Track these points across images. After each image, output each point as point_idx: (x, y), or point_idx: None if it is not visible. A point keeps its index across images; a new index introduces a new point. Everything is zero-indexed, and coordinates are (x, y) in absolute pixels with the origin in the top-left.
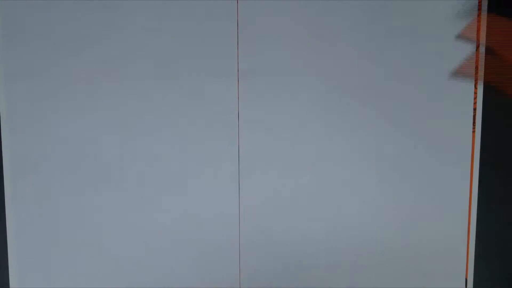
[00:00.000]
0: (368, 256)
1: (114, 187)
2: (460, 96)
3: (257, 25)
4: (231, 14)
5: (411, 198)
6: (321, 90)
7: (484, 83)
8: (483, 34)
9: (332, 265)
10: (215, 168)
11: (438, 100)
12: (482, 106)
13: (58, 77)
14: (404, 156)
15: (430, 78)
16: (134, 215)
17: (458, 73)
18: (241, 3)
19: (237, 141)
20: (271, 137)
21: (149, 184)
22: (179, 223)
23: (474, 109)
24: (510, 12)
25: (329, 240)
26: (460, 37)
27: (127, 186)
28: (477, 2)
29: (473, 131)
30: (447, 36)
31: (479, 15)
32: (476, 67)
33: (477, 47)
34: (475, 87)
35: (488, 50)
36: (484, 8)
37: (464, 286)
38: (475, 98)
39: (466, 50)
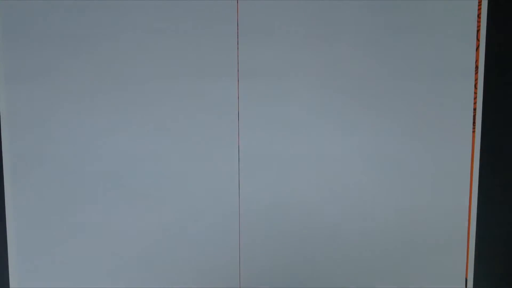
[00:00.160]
0: (368, 256)
1: (114, 187)
2: (460, 96)
3: (257, 25)
4: (231, 14)
5: (410, 198)
6: (321, 90)
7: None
8: (483, 34)
9: (332, 265)
10: (215, 168)
11: (438, 100)
12: (482, 106)
13: (58, 77)
14: (403, 156)
15: (430, 78)
16: (134, 215)
17: None
18: (241, 3)
19: (237, 141)
20: (271, 137)
21: (149, 184)
22: (178, 223)
23: (474, 109)
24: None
25: (329, 240)
26: (460, 37)
27: (127, 186)
28: (477, 2)
29: (473, 131)
30: (447, 36)
31: (479, 15)
32: (476, 67)
33: (477, 47)
34: (475, 87)
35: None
36: (484, 8)
37: (464, 286)
38: (475, 98)
39: (466, 49)
